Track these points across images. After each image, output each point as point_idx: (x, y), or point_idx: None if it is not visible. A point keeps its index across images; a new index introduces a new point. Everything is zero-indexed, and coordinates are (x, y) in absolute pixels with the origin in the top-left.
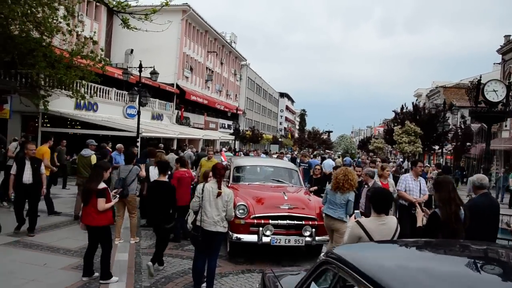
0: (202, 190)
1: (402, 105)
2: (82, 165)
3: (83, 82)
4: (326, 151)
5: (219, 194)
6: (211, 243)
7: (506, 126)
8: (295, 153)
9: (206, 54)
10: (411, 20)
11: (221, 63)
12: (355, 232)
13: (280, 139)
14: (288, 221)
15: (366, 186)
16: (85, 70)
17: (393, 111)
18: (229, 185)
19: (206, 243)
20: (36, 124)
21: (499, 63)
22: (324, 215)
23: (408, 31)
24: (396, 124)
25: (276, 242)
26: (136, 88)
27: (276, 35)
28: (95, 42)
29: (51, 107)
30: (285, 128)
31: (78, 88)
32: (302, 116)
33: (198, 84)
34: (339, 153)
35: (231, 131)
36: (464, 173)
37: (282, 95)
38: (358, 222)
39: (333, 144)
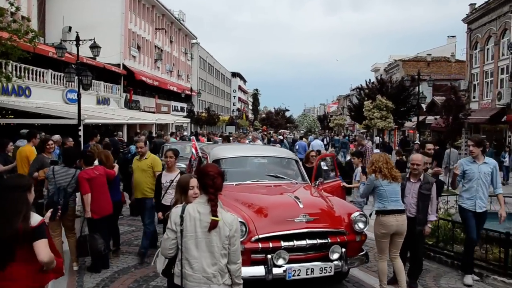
0: (181, 218)
1: (366, 80)
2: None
3: (7, 61)
4: (282, 130)
5: (213, 225)
6: None
7: (474, 97)
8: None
9: (154, 31)
10: None
11: (171, 41)
12: None
13: (236, 120)
14: (308, 241)
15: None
16: (7, 45)
17: (357, 87)
18: None
19: None
20: None
21: (453, 36)
22: (379, 215)
23: (353, 8)
24: (365, 98)
25: (293, 275)
26: (73, 66)
27: (223, 15)
28: (17, 9)
29: None
30: (238, 108)
31: (1, 69)
32: (255, 96)
33: (147, 64)
34: (302, 132)
35: (185, 113)
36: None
37: (234, 74)
38: None
39: (295, 123)
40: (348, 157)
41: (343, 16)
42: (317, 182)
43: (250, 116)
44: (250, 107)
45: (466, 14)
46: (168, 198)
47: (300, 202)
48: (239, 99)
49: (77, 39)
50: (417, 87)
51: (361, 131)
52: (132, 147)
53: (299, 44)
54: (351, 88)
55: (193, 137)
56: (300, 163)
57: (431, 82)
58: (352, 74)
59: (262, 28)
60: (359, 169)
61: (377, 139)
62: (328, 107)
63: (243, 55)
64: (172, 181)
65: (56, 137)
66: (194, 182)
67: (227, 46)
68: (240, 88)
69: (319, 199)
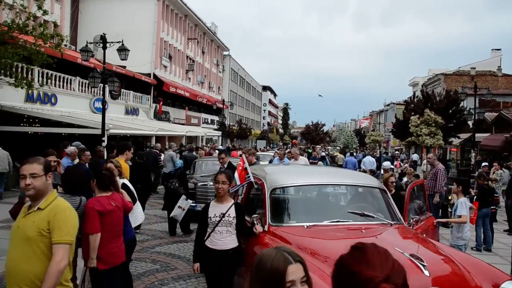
0: None
1: (413, 94)
2: None
3: (29, 66)
4: (313, 146)
5: None
6: None
7: None
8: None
9: (186, 41)
10: (386, 13)
11: (203, 52)
12: None
13: (267, 134)
14: None
15: None
16: (30, 49)
17: (405, 104)
18: (266, 228)
19: None
20: None
21: (498, 49)
22: None
23: (383, 24)
24: (412, 113)
25: None
26: (98, 70)
27: (253, 30)
28: (45, 12)
29: None
30: (268, 122)
31: (24, 74)
32: (285, 110)
33: (178, 74)
34: (338, 148)
35: (215, 126)
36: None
37: (265, 88)
38: None
39: (332, 138)
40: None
41: (372, 32)
42: (411, 221)
43: (280, 130)
44: (280, 121)
45: None
46: (215, 239)
47: (423, 265)
48: (269, 113)
49: (104, 40)
50: (463, 102)
51: (396, 148)
52: (178, 162)
53: (328, 59)
54: (384, 104)
55: (243, 156)
56: (389, 193)
57: (490, 95)
58: (382, 89)
59: (291, 43)
60: (462, 200)
61: (415, 156)
62: (360, 123)
63: (272, 70)
64: (224, 214)
65: (71, 149)
66: (295, 271)
67: (256, 61)
68: (270, 102)
69: (444, 258)
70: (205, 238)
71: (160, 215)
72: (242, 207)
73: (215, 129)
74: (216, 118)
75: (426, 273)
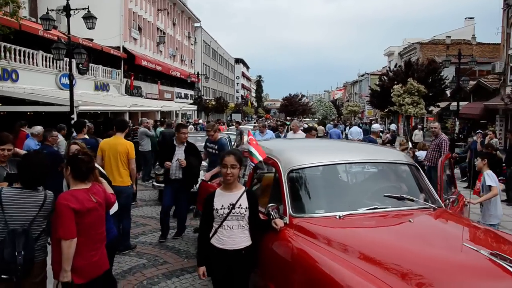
0: None
1: (389, 64)
2: None
3: None
4: (289, 118)
5: None
6: None
7: (511, 81)
8: (269, 121)
9: (156, 12)
10: None
11: (174, 24)
12: None
13: (242, 108)
14: None
15: None
16: None
17: (383, 74)
18: (287, 220)
19: None
20: None
21: (471, 18)
22: None
23: None
24: (395, 82)
25: None
26: (63, 41)
27: (223, 1)
28: None
29: None
30: (242, 95)
31: None
32: (259, 82)
33: (149, 47)
34: (317, 119)
35: (189, 100)
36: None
37: (238, 60)
38: None
39: (312, 110)
40: None
41: (341, 3)
42: (448, 202)
43: (254, 103)
44: (253, 94)
45: None
46: (224, 236)
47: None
48: (242, 85)
49: (67, 8)
50: (444, 70)
51: (371, 118)
52: None
53: (299, 31)
54: (359, 74)
55: (249, 130)
56: (421, 170)
57: (473, 63)
58: (355, 60)
59: (262, 14)
60: (489, 172)
61: (393, 126)
62: (334, 94)
63: (243, 42)
64: (234, 205)
65: (38, 128)
66: None
67: (228, 33)
68: (243, 74)
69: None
70: (211, 235)
71: (140, 198)
72: (255, 194)
73: (190, 103)
74: (190, 92)
75: None
